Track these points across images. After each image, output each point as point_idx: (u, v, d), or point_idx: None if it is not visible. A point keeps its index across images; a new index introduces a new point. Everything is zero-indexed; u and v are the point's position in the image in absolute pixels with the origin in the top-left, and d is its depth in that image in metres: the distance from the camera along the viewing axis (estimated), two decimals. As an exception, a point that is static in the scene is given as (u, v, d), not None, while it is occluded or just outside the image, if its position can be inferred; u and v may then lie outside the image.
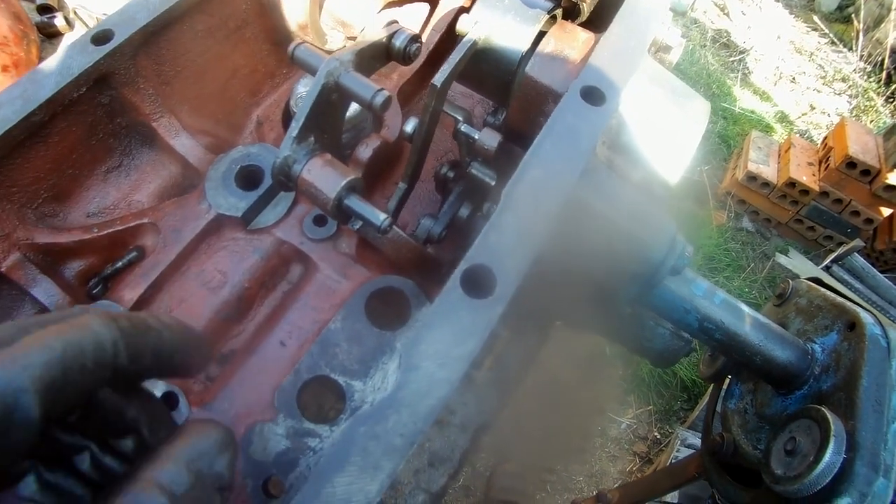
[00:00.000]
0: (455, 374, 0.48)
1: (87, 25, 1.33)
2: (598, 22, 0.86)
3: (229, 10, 0.86)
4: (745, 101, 3.52)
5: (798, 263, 2.96)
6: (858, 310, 0.84)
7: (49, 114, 0.68)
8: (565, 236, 0.69)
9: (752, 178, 2.97)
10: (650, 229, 0.71)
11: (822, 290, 0.96)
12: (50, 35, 1.36)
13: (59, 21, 1.34)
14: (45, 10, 1.32)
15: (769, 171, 2.97)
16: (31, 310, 0.78)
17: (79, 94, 0.71)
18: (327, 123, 0.59)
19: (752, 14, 4.07)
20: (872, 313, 0.84)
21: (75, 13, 1.35)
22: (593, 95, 0.68)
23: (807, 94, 3.65)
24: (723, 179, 3.20)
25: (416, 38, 0.65)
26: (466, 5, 1.10)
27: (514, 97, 0.79)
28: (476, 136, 0.71)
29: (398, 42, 0.64)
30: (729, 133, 3.29)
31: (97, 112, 0.74)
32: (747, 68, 3.71)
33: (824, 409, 0.70)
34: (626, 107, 0.77)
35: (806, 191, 2.87)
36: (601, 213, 0.69)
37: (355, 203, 0.56)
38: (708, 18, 4.01)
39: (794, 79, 3.73)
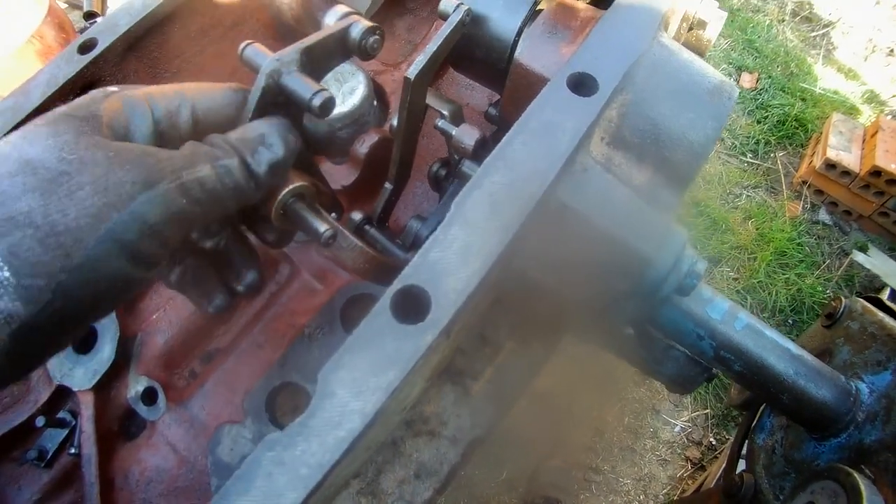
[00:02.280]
0: (370, 406, 0.42)
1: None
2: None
3: (223, 8, 0.82)
4: (827, 80, 3.14)
5: (879, 263, 2.64)
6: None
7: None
8: (550, 247, 0.60)
9: (831, 165, 2.66)
10: (650, 241, 0.60)
11: (881, 314, 0.79)
12: None
13: None
14: (90, 16, 1.35)
15: (851, 159, 2.64)
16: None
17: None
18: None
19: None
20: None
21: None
22: (584, 84, 0.58)
23: (905, 69, 3.22)
24: (799, 167, 2.90)
25: (373, 30, 0.58)
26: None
27: (506, 86, 0.71)
28: (452, 133, 0.64)
29: (354, 34, 0.57)
30: (807, 116, 2.96)
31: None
32: (832, 43, 3.30)
33: (857, 476, 0.57)
34: (632, 94, 0.66)
35: (894, 180, 2.54)
36: (589, 221, 0.59)
37: (300, 210, 0.50)
38: (789, -10, 3.61)
39: (892, 51, 3.28)
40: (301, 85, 0.50)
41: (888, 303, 0.84)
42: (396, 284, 0.45)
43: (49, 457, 0.74)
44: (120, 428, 0.74)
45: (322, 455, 0.41)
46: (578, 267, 0.60)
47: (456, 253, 0.47)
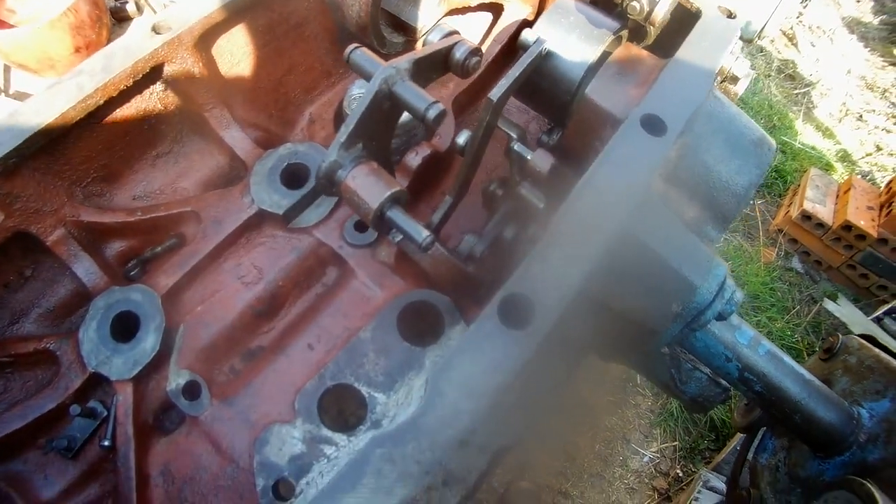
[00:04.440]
0: (481, 406, 0.47)
1: (154, 11, 1.37)
2: (665, 46, 0.84)
3: (291, 7, 0.87)
4: (806, 136, 3.40)
5: (847, 312, 2.84)
6: (917, 379, 0.79)
7: (105, 98, 0.70)
8: (610, 268, 0.67)
9: (807, 217, 2.87)
10: (699, 271, 0.68)
11: (876, 350, 0.91)
12: (121, 19, 1.41)
13: (130, 7, 1.39)
14: None
15: (825, 212, 2.86)
16: (70, 284, 0.80)
17: (135, 81, 0.72)
18: (378, 131, 0.59)
19: (821, 46, 3.93)
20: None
21: (146, 1, 1.40)
22: (654, 125, 0.66)
23: (874, 134, 3.51)
24: (776, 216, 3.10)
25: (476, 52, 0.64)
26: (530, 18, 1.09)
27: (571, 118, 0.78)
28: (529, 157, 0.70)
29: (458, 54, 0.63)
30: (787, 168, 3.19)
31: (151, 98, 0.76)
32: (812, 102, 3.59)
33: (872, 486, 0.66)
34: (688, 138, 0.74)
35: (863, 236, 2.76)
36: (650, 248, 0.66)
37: (398, 216, 0.55)
38: (775, 48, 3.89)
39: (861, 116, 3.59)
40: (416, 95, 0.56)
41: (881, 340, 0.96)
42: (502, 292, 0.51)
43: (77, 447, 0.74)
44: (155, 421, 0.75)
45: (433, 452, 0.46)
46: (639, 290, 0.67)
47: (555, 268, 0.53)
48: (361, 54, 0.58)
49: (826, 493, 0.70)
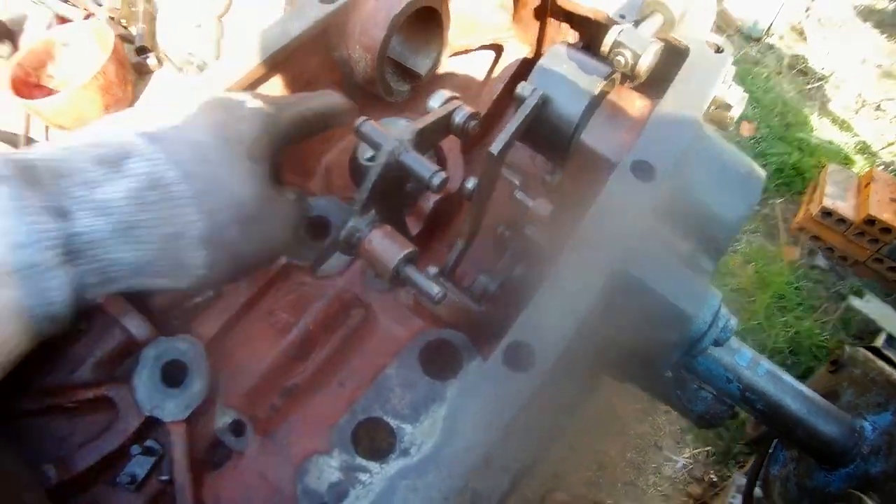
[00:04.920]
0: (491, 439, 0.55)
1: (174, 64, 1.48)
2: (658, 81, 0.90)
3: (303, 66, 0.96)
4: (822, 131, 3.41)
5: (874, 308, 2.84)
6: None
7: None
8: (607, 304, 0.74)
9: (828, 213, 2.88)
10: (693, 302, 0.75)
11: (881, 363, 0.96)
12: (142, 73, 1.53)
13: (151, 61, 1.51)
14: (142, 50, 1.49)
15: (846, 207, 2.87)
16: (120, 336, 0.90)
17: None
18: (389, 196, 0.67)
19: (833, 38, 3.93)
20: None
21: (165, 54, 1.51)
22: (644, 170, 0.73)
23: (895, 123, 3.51)
24: (796, 214, 3.12)
25: (474, 115, 0.72)
26: (529, 56, 1.17)
27: (570, 161, 0.85)
28: (529, 205, 0.78)
29: (458, 119, 0.71)
30: (804, 165, 3.20)
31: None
32: (826, 96, 3.59)
33: (868, 500, 0.72)
34: (678, 176, 0.81)
35: (888, 229, 2.76)
36: (644, 283, 0.74)
37: (412, 274, 0.63)
38: (784, 44, 3.90)
39: (879, 106, 3.58)
40: (420, 164, 0.64)
41: (885, 352, 1.01)
42: (507, 339, 0.58)
43: (139, 482, 0.84)
44: (206, 457, 0.84)
45: (451, 480, 0.54)
46: (637, 322, 0.74)
47: (553, 315, 0.60)
48: (371, 127, 0.67)
49: (830, 505, 0.76)
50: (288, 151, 0.97)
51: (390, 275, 0.64)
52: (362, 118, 0.67)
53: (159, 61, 1.50)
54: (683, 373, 0.88)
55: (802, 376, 2.67)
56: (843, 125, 3.47)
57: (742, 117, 3.38)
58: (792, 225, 3.10)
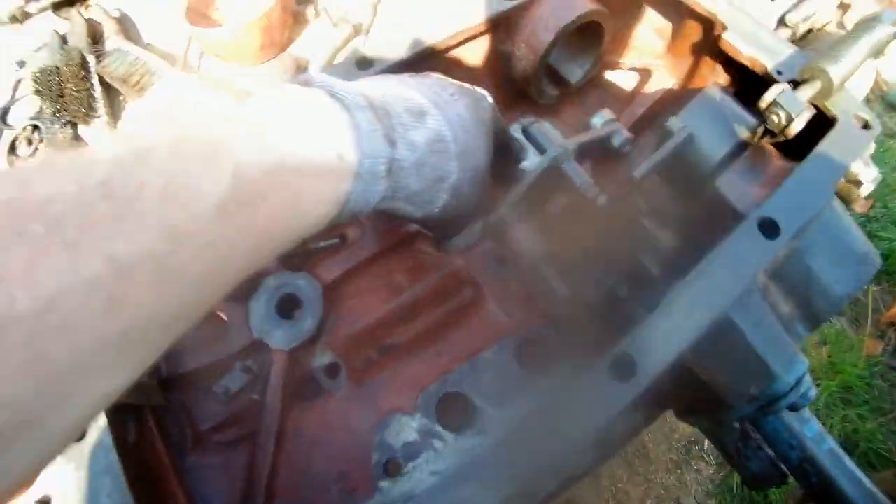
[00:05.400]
0: (584, 438, 0.68)
1: (330, 18, 1.64)
2: (794, 147, 0.99)
3: (466, 53, 1.10)
4: (945, 225, 3.38)
5: (950, 426, 2.85)
6: None
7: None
8: (704, 341, 0.86)
9: (925, 314, 2.90)
10: (781, 361, 0.86)
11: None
12: (299, 21, 1.70)
13: (310, 11, 1.67)
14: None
15: (947, 313, 2.88)
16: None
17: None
18: (540, 196, 0.81)
19: None
20: None
21: (325, 8, 1.68)
22: (769, 228, 0.84)
23: None
24: (890, 307, 3.12)
25: (630, 140, 0.85)
26: (675, 88, 1.28)
27: (700, 206, 0.97)
28: (651, 233, 0.91)
29: (616, 141, 0.85)
30: (914, 255, 3.20)
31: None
32: (961, 186, 3.54)
33: None
34: (801, 242, 0.92)
35: None
36: (741, 332, 0.85)
37: (546, 272, 0.78)
38: (931, 114, 3.85)
39: None
40: (580, 176, 0.78)
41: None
42: (616, 349, 0.72)
43: (231, 394, 1.00)
44: (298, 389, 1.00)
45: (513, 475, 0.68)
46: (725, 366, 0.86)
47: (662, 335, 0.74)
48: (538, 129, 0.81)
49: None
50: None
51: (525, 268, 0.78)
52: (531, 119, 0.82)
53: (317, 13, 1.67)
54: (750, 427, 1.00)
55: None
56: (969, 224, 3.43)
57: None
58: (882, 317, 3.11)
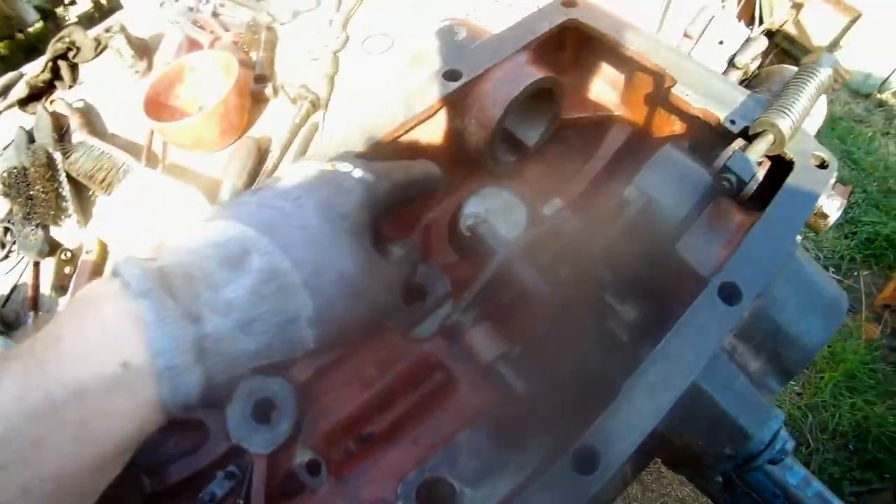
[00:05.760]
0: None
1: (288, 95, 1.65)
2: (758, 196, 0.98)
3: (417, 136, 1.09)
4: (931, 199, 3.37)
5: (956, 403, 2.83)
6: None
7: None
8: (672, 414, 0.85)
9: (919, 294, 2.88)
10: (755, 421, 0.85)
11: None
12: (259, 101, 1.70)
13: (268, 90, 1.68)
14: (260, 79, 1.67)
15: (941, 290, 2.86)
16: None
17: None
18: (492, 296, 0.80)
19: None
20: None
21: (281, 86, 1.68)
22: (730, 293, 0.82)
23: None
24: (883, 289, 3.11)
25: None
26: (634, 136, 1.27)
27: (658, 269, 0.96)
28: (616, 308, 0.90)
29: (566, 227, 0.84)
30: (900, 236, 3.18)
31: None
32: (940, 162, 3.54)
33: None
34: (765, 299, 0.91)
35: (984, 320, 2.75)
36: (710, 398, 0.84)
37: (504, 371, 0.76)
38: (900, 99, 3.86)
39: None
40: (531, 279, 0.77)
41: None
42: (577, 443, 0.71)
43: (217, 501, 0.99)
44: (281, 488, 0.99)
45: None
46: (696, 430, 0.85)
47: (622, 426, 0.72)
48: (488, 229, 0.80)
49: None
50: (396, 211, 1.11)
51: (484, 368, 0.77)
52: (481, 219, 0.81)
53: (275, 91, 1.67)
54: (734, 478, 0.99)
55: (867, 465, 2.69)
56: (953, 197, 3.42)
57: (837, 179, 3.39)
58: (876, 300, 3.09)
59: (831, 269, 3.15)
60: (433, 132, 1.11)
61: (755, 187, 0.89)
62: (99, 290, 0.58)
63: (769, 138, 0.91)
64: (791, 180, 0.94)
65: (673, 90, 1.05)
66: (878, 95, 3.75)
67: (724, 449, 0.86)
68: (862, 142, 3.51)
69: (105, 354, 0.54)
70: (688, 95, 1.04)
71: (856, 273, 3.12)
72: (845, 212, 3.30)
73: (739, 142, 0.92)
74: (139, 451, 1.05)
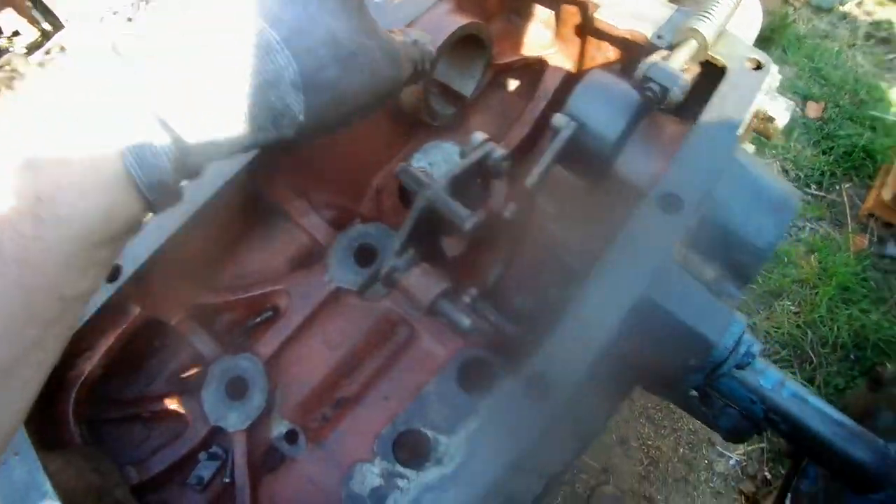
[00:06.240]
0: (505, 461, 0.66)
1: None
2: (695, 107, 0.95)
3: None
4: (902, 106, 3.30)
5: (949, 301, 2.80)
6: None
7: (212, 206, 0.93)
8: (630, 328, 0.83)
9: (901, 198, 2.83)
10: (715, 328, 0.83)
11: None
12: None
13: None
14: None
15: (923, 192, 2.81)
16: (189, 352, 1.05)
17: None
18: (425, 238, 0.78)
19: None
20: None
21: None
22: (671, 203, 0.80)
23: (984, 97, 3.36)
24: (865, 199, 3.06)
25: (508, 157, 0.82)
26: (574, 71, 1.24)
27: (605, 188, 0.93)
28: (558, 234, 0.87)
29: (491, 161, 0.81)
30: (876, 146, 3.12)
31: (246, 198, 0.99)
32: (910, 66, 3.46)
33: None
34: (710, 206, 0.88)
35: (968, 215, 2.71)
36: (665, 310, 0.82)
37: (445, 308, 0.74)
38: (863, 11, 3.76)
39: (969, 78, 3.43)
40: (453, 212, 0.74)
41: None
42: (527, 370, 0.69)
43: (205, 483, 0.99)
44: (263, 462, 0.99)
45: (468, 498, 0.65)
46: (657, 346, 0.83)
47: (571, 348, 0.70)
48: (410, 174, 0.78)
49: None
50: (337, 174, 1.09)
51: (426, 309, 0.75)
52: (401, 165, 0.78)
53: None
54: (709, 390, 0.97)
55: (867, 373, 2.67)
56: (926, 100, 3.35)
57: (808, 97, 3.33)
58: (861, 211, 3.05)
59: (813, 185, 3.11)
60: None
61: (684, 95, 0.86)
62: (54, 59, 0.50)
63: (692, 44, 0.88)
64: (724, 85, 0.91)
65: (596, 15, 1.01)
66: (841, 8, 3.67)
67: (689, 361, 0.84)
68: (829, 57, 3.44)
69: (59, 122, 0.47)
70: (613, 19, 1.01)
71: (838, 187, 3.08)
72: (820, 129, 3.26)
73: (663, 53, 0.89)
74: (121, 444, 1.05)
